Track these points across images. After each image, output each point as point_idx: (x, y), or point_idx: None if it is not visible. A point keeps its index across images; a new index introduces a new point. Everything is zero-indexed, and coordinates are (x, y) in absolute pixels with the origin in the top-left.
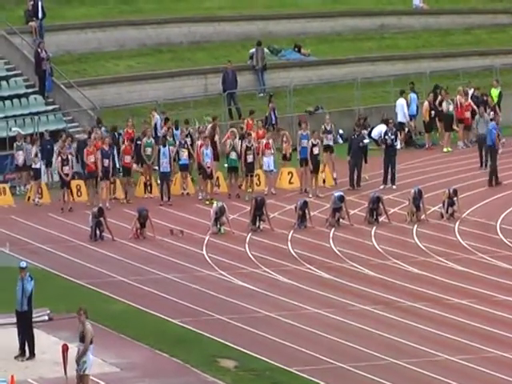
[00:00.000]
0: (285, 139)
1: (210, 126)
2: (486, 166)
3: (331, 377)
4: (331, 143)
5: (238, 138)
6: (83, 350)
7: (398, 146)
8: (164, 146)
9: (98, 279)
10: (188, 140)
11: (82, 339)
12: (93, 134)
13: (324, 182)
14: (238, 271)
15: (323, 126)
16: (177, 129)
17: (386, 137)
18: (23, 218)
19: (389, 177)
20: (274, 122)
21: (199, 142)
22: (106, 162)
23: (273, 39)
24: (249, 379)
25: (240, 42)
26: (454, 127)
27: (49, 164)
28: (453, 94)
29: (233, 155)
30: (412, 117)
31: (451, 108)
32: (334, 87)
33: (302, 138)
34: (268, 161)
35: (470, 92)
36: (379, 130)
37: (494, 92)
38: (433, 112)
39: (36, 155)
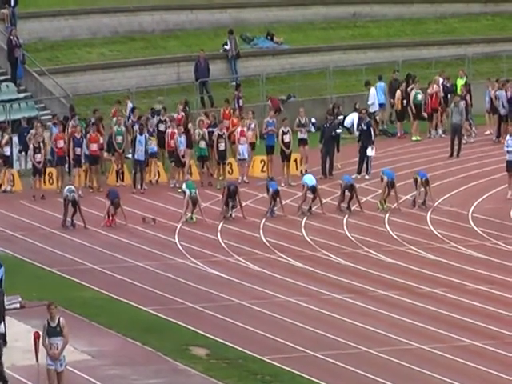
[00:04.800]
0: (252, 127)
1: (182, 113)
2: (457, 155)
3: (303, 365)
4: (305, 136)
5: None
6: (65, 344)
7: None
8: (141, 134)
9: (69, 267)
10: (162, 126)
11: (59, 333)
12: (71, 121)
13: (302, 171)
14: (210, 259)
15: (297, 119)
16: (153, 117)
17: (360, 127)
18: None
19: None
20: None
21: (170, 131)
22: (78, 150)
23: (245, 27)
24: (221, 367)
25: (213, 30)
26: (424, 114)
27: (25, 151)
28: (424, 82)
29: (202, 144)
30: (380, 105)
31: (419, 97)
32: (307, 76)
33: (269, 125)
34: (242, 149)
35: (441, 81)
36: (351, 118)
37: (460, 82)
38: (405, 101)
39: (7, 143)
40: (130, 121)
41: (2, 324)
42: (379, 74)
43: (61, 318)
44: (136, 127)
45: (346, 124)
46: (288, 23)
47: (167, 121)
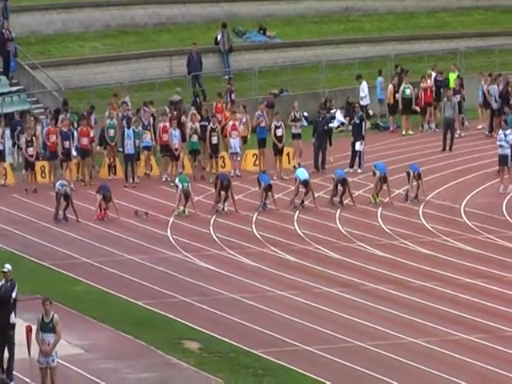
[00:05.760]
0: (244, 121)
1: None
2: (450, 149)
3: (296, 359)
4: (299, 131)
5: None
6: (57, 341)
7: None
8: (129, 127)
9: (62, 260)
10: (151, 120)
11: (52, 330)
12: (61, 115)
13: (294, 166)
14: (203, 253)
15: (292, 114)
16: (174, 109)
17: (352, 121)
18: None
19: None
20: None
21: (161, 125)
22: (67, 143)
23: (238, 21)
24: (213, 361)
25: (205, 23)
26: (416, 108)
27: (17, 145)
28: (415, 77)
29: (194, 138)
30: (379, 100)
31: (408, 92)
32: (299, 70)
33: (259, 118)
34: (234, 142)
35: (433, 75)
36: (336, 117)
37: (452, 76)
38: (397, 95)
39: (1, 136)
40: (120, 114)
41: (13, 314)
42: (377, 68)
43: (55, 315)
44: (125, 121)
45: (336, 123)
46: (280, 17)
47: (155, 115)
